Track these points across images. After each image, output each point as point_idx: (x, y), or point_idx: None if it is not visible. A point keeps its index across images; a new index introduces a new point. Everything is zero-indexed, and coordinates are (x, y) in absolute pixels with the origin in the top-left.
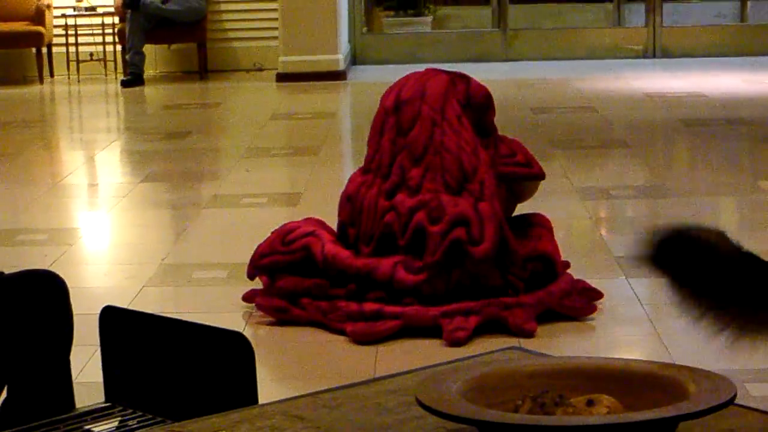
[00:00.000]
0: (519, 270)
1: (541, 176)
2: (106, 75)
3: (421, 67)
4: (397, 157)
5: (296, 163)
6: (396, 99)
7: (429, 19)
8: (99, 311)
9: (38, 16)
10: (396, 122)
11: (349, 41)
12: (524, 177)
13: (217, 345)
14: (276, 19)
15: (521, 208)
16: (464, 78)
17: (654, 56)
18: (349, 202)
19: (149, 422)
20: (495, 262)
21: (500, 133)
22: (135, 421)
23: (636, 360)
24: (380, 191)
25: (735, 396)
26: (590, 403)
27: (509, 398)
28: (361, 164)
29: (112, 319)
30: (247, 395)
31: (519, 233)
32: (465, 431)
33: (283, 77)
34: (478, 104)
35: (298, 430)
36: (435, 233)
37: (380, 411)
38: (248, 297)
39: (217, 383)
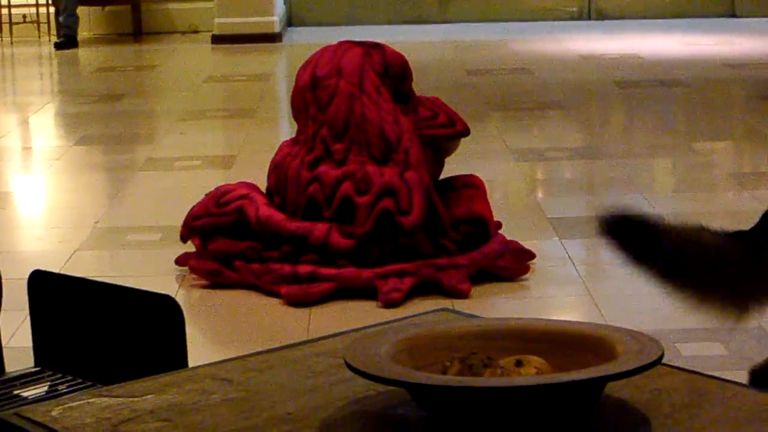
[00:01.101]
0: (451, 234)
1: (466, 132)
2: (39, 37)
3: (357, 29)
4: (320, 132)
5: (231, 126)
6: (312, 76)
7: None
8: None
9: None
10: (314, 99)
11: (285, 3)
12: (449, 137)
13: (147, 308)
14: None
15: (454, 170)
16: (379, 47)
17: (589, 18)
18: (276, 170)
19: (79, 386)
20: (425, 230)
21: (432, 95)
22: (65, 386)
23: (564, 321)
24: (303, 163)
25: (662, 356)
26: (519, 363)
27: (438, 360)
28: (296, 129)
29: (41, 283)
30: (177, 359)
31: (451, 195)
32: (394, 393)
33: (218, 39)
34: (395, 73)
35: (226, 393)
36: (363, 204)
37: (310, 373)
38: (181, 260)
39: (146, 347)
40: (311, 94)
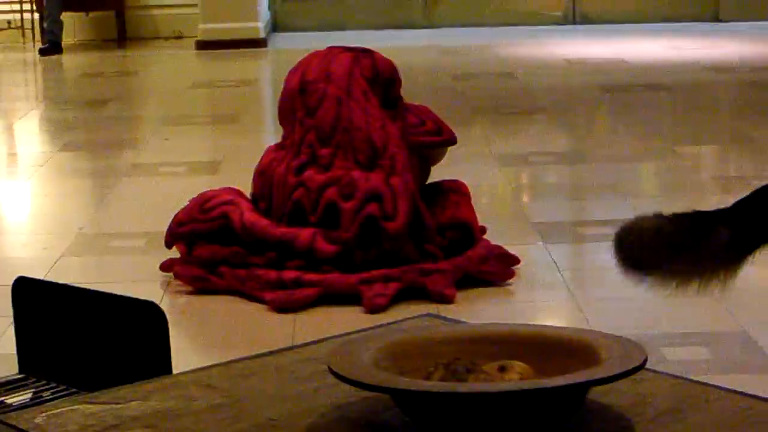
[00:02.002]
0: (436, 240)
1: (453, 141)
2: (24, 43)
3: (342, 34)
4: (306, 137)
5: (216, 132)
6: (301, 80)
7: None
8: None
9: None
10: (303, 103)
11: (270, 8)
12: (436, 144)
13: (131, 315)
14: None
15: (439, 175)
16: (369, 53)
17: (574, 22)
18: (261, 176)
19: (63, 393)
20: (410, 235)
21: (419, 100)
22: (49, 392)
23: (548, 326)
24: (288, 168)
25: (645, 361)
26: (502, 369)
27: (422, 366)
28: (281, 135)
29: (26, 289)
30: (162, 365)
31: (436, 201)
32: (378, 399)
33: (203, 45)
34: (385, 78)
35: (211, 399)
36: (348, 209)
37: (294, 380)
38: (166, 266)
39: (131, 353)
40: (299, 98)
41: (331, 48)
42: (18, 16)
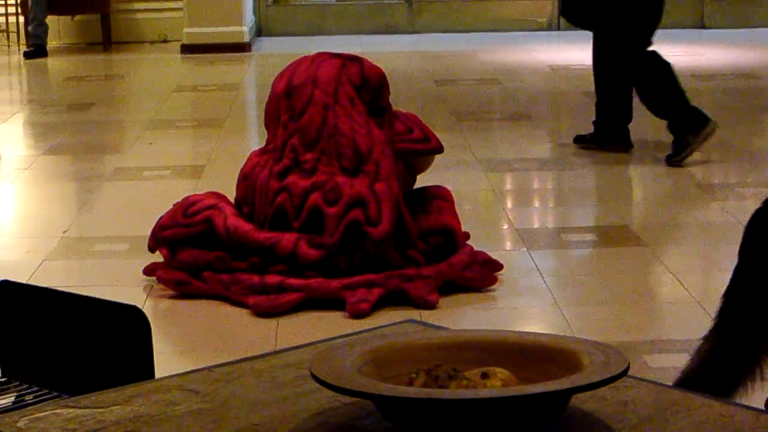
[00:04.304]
0: (419, 245)
1: (440, 150)
2: (8, 46)
3: (326, 39)
4: (290, 141)
5: (200, 136)
6: (288, 84)
7: None
8: None
9: None
10: (288, 107)
11: (254, 13)
12: (423, 152)
13: (114, 319)
14: None
15: (423, 181)
16: (357, 60)
17: (558, 29)
18: (245, 180)
19: (46, 397)
20: (393, 241)
21: (403, 106)
22: (31, 396)
23: (531, 332)
24: (271, 173)
25: (627, 368)
26: (485, 376)
27: (404, 372)
28: (265, 139)
29: (9, 293)
30: (144, 369)
31: (420, 207)
32: (360, 404)
33: (187, 49)
34: (373, 86)
35: (193, 404)
36: (332, 215)
37: (276, 385)
38: (149, 270)
39: (113, 357)
40: (285, 102)
41: (319, 53)
42: (2, 19)
